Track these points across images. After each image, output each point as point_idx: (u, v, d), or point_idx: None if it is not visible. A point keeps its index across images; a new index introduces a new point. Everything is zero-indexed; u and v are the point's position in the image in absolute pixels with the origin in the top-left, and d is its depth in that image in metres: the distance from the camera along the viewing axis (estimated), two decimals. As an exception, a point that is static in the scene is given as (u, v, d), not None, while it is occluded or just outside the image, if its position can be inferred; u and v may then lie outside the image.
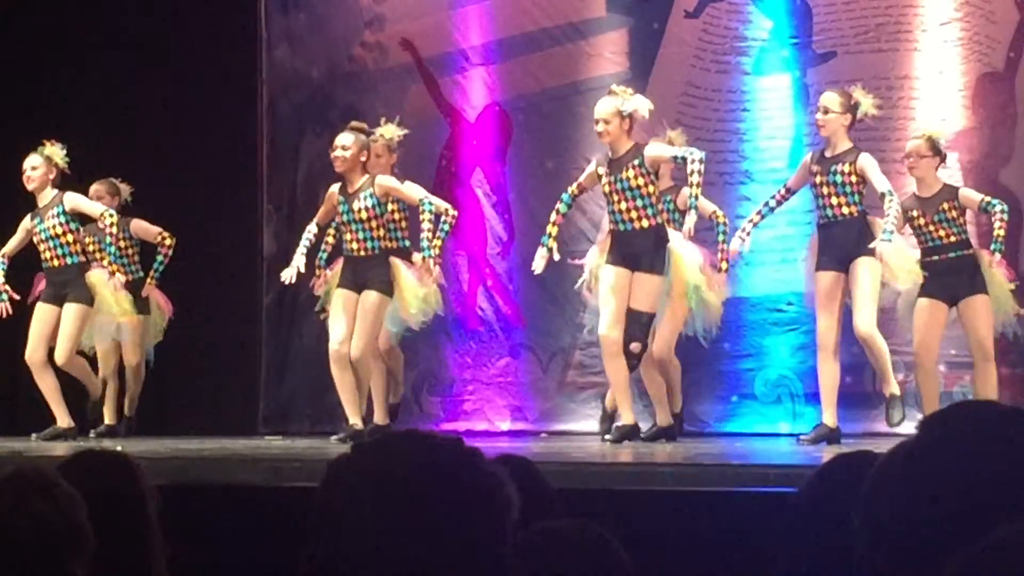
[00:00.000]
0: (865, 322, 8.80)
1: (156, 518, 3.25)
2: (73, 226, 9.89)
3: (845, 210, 8.87)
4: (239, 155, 11.40)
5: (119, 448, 5.17)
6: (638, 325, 8.86)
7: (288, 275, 9.44)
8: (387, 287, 9.22)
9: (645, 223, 8.86)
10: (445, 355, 11.37)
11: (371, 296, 9.19)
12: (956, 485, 1.80)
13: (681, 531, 5.38)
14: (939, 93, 10.42)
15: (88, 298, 9.85)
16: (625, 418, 8.97)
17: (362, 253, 9.26)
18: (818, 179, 8.94)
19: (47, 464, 2.94)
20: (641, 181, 8.87)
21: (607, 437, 9.10)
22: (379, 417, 9.56)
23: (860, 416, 9.51)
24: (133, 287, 10.21)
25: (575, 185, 9.18)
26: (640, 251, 8.87)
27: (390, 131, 9.77)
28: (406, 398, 11.19)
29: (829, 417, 8.92)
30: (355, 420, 9.26)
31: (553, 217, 9.15)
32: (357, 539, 1.93)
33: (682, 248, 8.98)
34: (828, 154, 8.96)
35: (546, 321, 10.64)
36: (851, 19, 10.72)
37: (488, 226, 11.30)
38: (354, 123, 9.59)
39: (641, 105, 8.94)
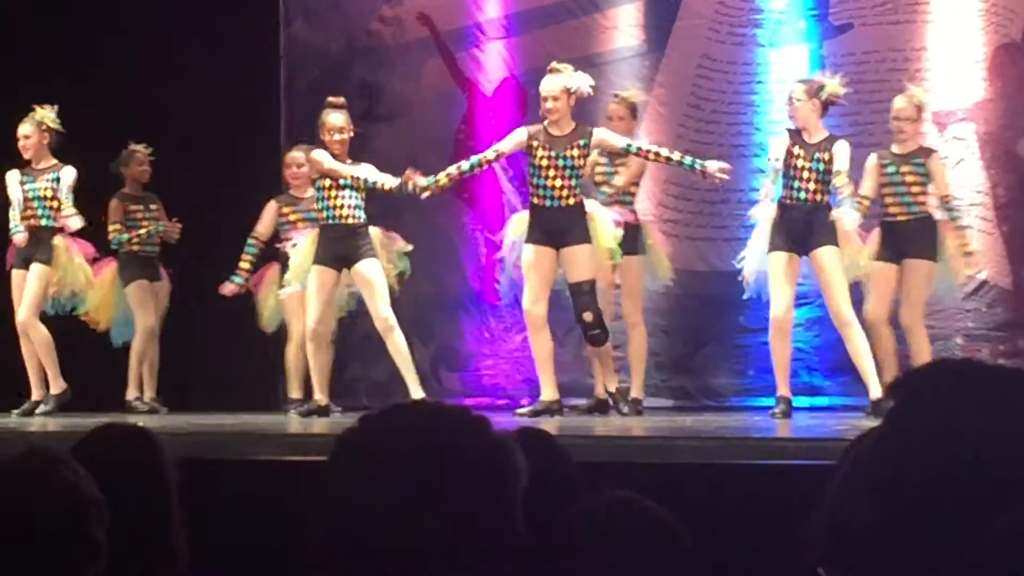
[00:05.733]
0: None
1: (176, 492, 3.26)
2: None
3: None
4: (257, 130, 11.40)
5: (140, 423, 5.17)
6: (584, 295, 8.96)
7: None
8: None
9: (572, 200, 8.98)
10: (463, 330, 11.37)
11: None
12: (925, 454, 1.70)
13: (701, 504, 5.38)
14: (956, 64, 10.39)
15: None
16: (545, 394, 9.16)
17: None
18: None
19: (57, 445, 2.85)
20: (582, 162, 9.04)
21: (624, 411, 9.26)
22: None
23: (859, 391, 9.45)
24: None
25: (493, 150, 9.19)
26: (567, 226, 8.96)
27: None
28: (425, 373, 11.21)
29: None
30: (320, 396, 9.60)
31: (451, 170, 9.15)
32: (365, 510, 1.92)
33: (599, 214, 9.18)
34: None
35: (562, 295, 10.64)
36: (869, -10, 10.69)
37: (505, 200, 11.28)
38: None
39: (583, 82, 9.00)
